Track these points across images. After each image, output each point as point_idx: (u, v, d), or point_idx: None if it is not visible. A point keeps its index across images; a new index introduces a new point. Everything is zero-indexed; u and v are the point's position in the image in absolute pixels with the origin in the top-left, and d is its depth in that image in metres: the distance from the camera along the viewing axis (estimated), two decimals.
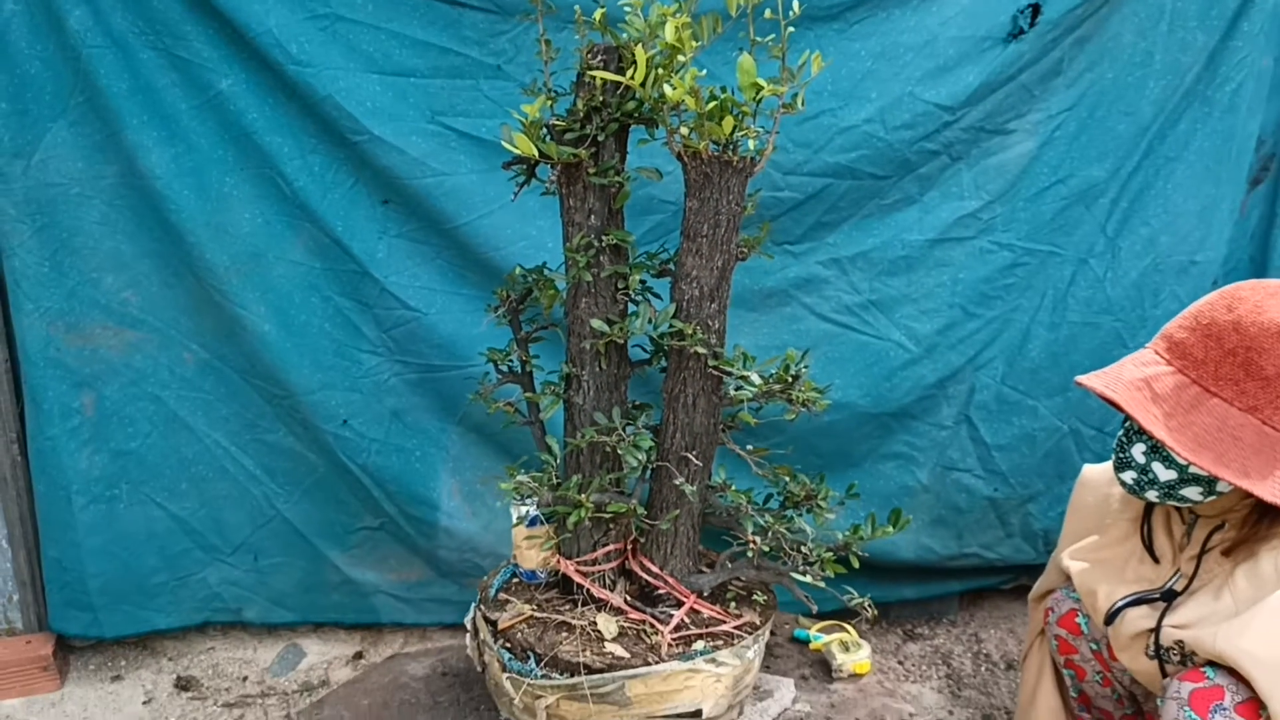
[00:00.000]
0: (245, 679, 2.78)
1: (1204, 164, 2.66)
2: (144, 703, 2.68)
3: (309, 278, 2.59)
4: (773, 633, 2.32)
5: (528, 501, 1.82)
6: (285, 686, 2.75)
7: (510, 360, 1.95)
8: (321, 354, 2.62)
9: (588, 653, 1.79)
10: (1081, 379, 1.72)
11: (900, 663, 2.85)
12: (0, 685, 2.67)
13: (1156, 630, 1.77)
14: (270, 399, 2.66)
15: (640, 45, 1.65)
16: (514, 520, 1.96)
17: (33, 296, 2.50)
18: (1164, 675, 1.78)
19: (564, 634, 1.84)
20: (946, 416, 2.79)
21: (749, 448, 1.96)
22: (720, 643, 1.84)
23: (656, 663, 1.77)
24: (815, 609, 1.92)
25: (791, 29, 2.42)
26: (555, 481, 1.82)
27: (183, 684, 2.74)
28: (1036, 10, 2.49)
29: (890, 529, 1.92)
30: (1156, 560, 1.86)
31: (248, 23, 2.36)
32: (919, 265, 2.68)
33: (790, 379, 1.84)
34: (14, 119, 2.40)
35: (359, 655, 2.86)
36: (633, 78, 1.62)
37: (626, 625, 1.86)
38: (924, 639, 2.97)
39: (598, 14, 1.70)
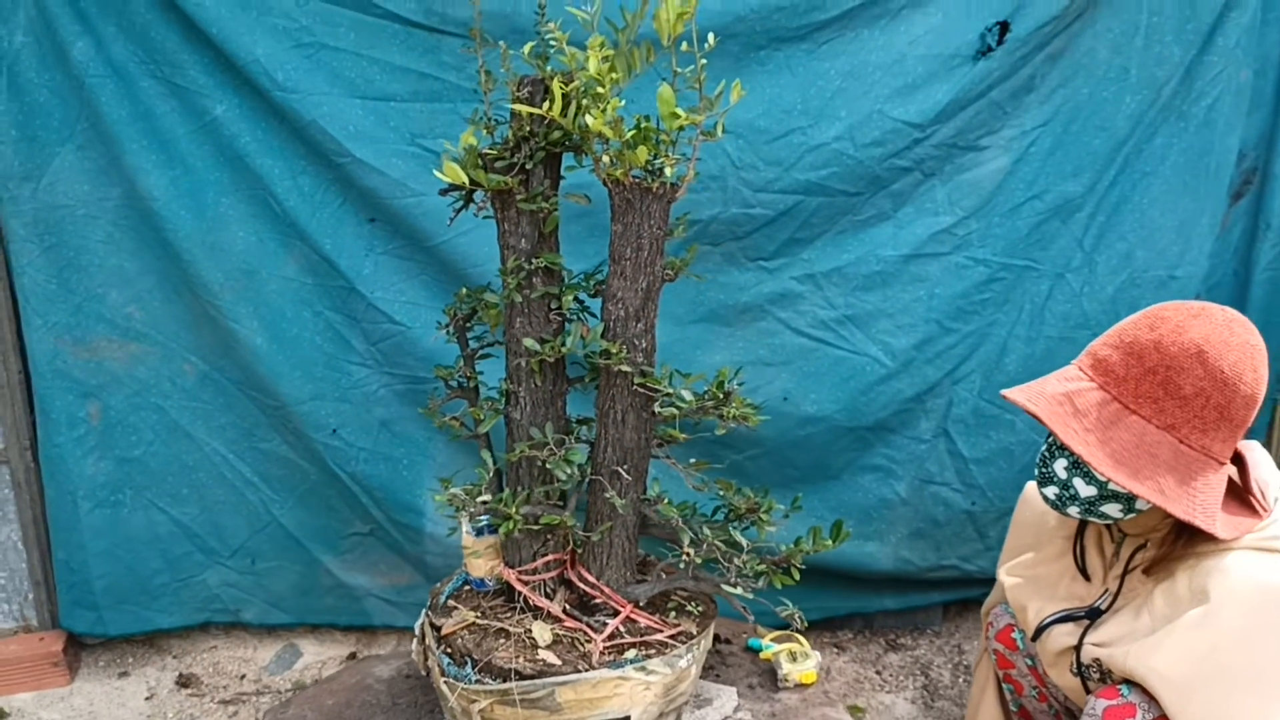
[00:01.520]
0: (243, 677, 2.90)
1: (1181, 179, 2.66)
2: (146, 698, 2.81)
3: (300, 293, 2.70)
4: (728, 641, 2.37)
5: (459, 514, 1.90)
6: (280, 685, 2.86)
7: (458, 376, 2.03)
8: (312, 366, 2.72)
9: (520, 659, 1.86)
10: (1006, 392, 1.75)
11: (878, 672, 2.88)
12: (13, 679, 2.82)
13: (1078, 648, 1.79)
14: (265, 409, 2.78)
15: (566, 77, 1.73)
16: (464, 531, 2.04)
17: (41, 312, 2.65)
18: (1088, 692, 1.80)
19: (501, 640, 1.91)
20: (925, 430, 2.82)
21: (692, 460, 2.01)
22: (653, 651, 1.89)
23: (586, 670, 1.84)
24: (751, 619, 1.97)
25: (764, 50, 2.53)
26: (488, 494, 1.90)
27: (183, 681, 2.87)
28: (1005, 28, 2.51)
29: (830, 542, 1.96)
30: (1088, 578, 1.88)
31: (237, 51, 2.47)
32: (894, 280, 2.71)
33: (723, 395, 1.89)
34: (24, 145, 2.55)
35: (353, 656, 2.97)
36: (550, 110, 1.69)
37: (562, 633, 1.93)
38: (905, 649, 2.99)
39: (526, 47, 1.78)
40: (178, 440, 2.80)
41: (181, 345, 2.74)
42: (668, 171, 1.73)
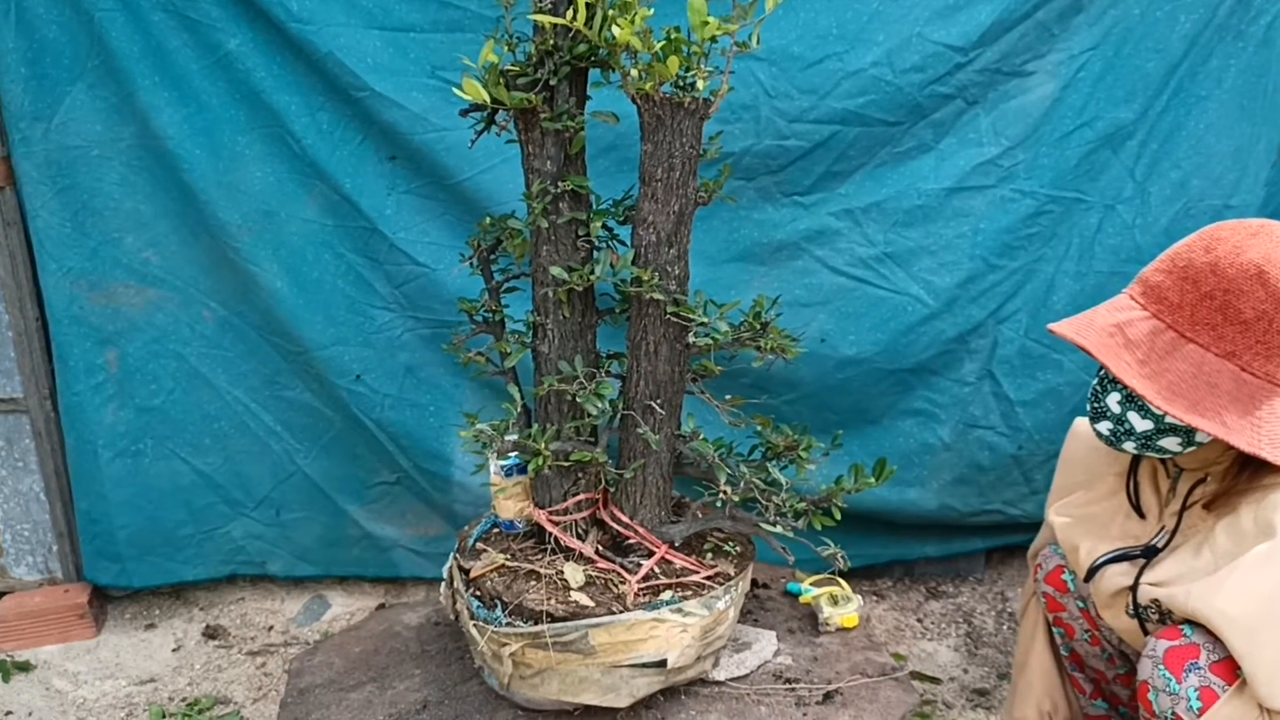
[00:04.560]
0: (271, 629, 2.86)
1: (1238, 102, 2.53)
2: (173, 650, 2.77)
3: (320, 235, 2.62)
4: (766, 586, 2.28)
5: (486, 452, 1.82)
6: (308, 636, 2.81)
7: (483, 310, 1.94)
8: (334, 310, 2.65)
9: (552, 601, 1.78)
10: (1053, 326, 1.65)
11: (919, 620, 2.79)
12: (40, 631, 2.78)
13: (1134, 588, 1.69)
14: (286, 355, 2.71)
15: None
16: (492, 470, 1.96)
17: (56, 256, 2.58)
18: (1145, 634, 1.71)
19: (532, 582, 1.84)
20: (969, 372, 2.71)
21: (728, 397, 1.92)
22: (689, 593, 1.81)
23: (621, 612, 1.76)
24: (791, 559, 1.88)
25: None
26: (516, 432, 1.82)
27: (210, 633, 2.82)
28: None
29: (873, 480, 1.86)
30: (1143, 516, 1.78)
31: None
32: (937, 216, 2.60)
33: (759, 326, 1.79)
34: (34, 83, 2.47)
35: (382, 607, 2.91)
36: (574, 20, 1.59)
37: (595, 575, 1.85)
38: (947, 597, 2.91)
39: None
40: (198, 388, 2.73)
41: (200, 290, 2.67)
42: (700, 85, 1.63)
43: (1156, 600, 1.65)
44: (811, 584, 2.24)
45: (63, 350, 2.65)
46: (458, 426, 2.73)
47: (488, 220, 1.92)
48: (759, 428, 1.92)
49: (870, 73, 2.45)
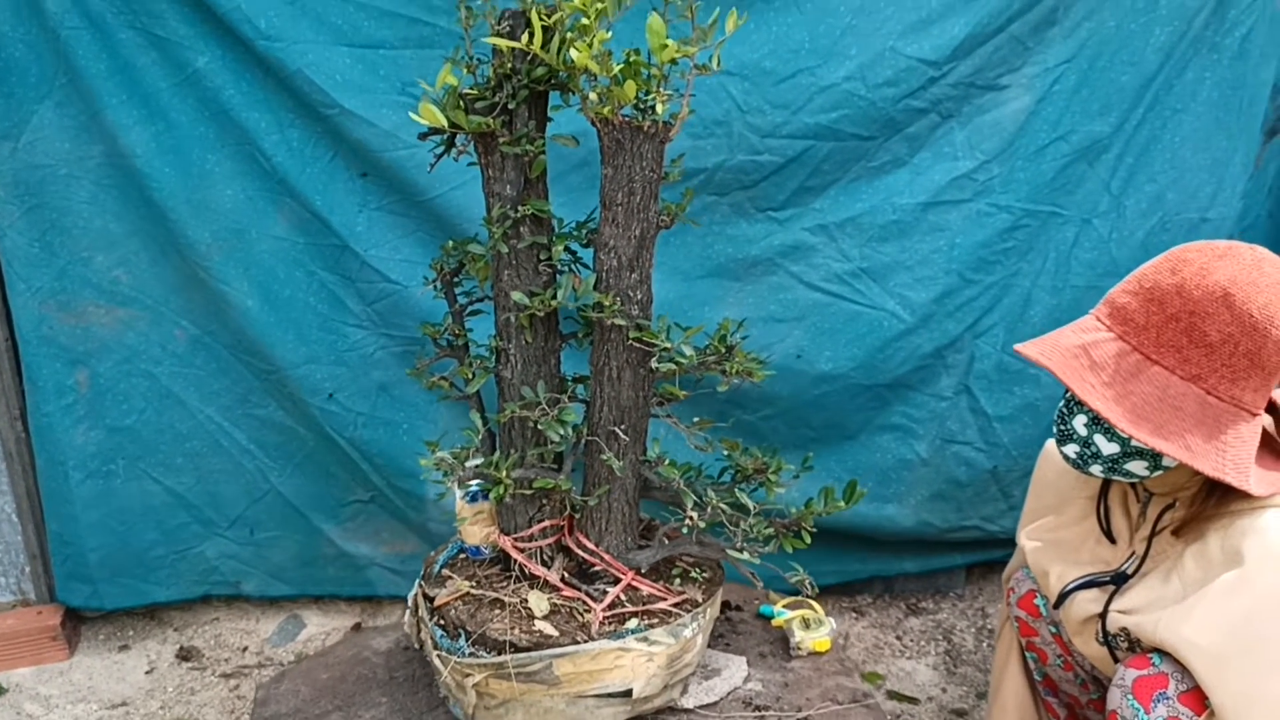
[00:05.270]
0: (245, 649, 2.83)
1: (1213, 115, 2.51)
2: (146, 672, 2.74)
3: (291, 252, 2.59)
4: (738, 607, 2.26)
5: (448, 480, 1.80)
6: (283, 657, 2.79)
7: (446, 334, 1.92)
8: (306, 328, 2.62)
9: (516, 631, 1.76)
10: (1019, 347, 1.63)
11: (899, 638, 2.77)
12: (12, 654, 2.75)
13: (1104, 615, 1.67)
14: (259, 374, 2.68)
15: (549, 9, 1.61)
16: (457, 497, 1.94)
17: (25, 276, 2.55)
18: (1116, 661, 1.69)
19: (496, 611, 1.81)
20: (945, 387, 2.70)
21: (695, 420, 1.90)
22: (655, 620, 1.79)
23: (585, 641, 1.74)
24: (760, 585, 1.86)
25: None
26: (479, 458, 1.80)
27: (184, 654, 2.80)
28: None
29: (842, 503, 1.84)
30: (1113, 541, 1.76)
31: None
32: (912, 230, 2.58)
33: (725, 349, 1.77)
34: (0, 102, 2.44)
35: (358, 627, 2.89)
36: (530, 44, 1.57)
37: (560, 603, 1.83)
38: (927, 613, 2.89)
39: None
40: (170, 408, 2.70)
41: (171, 309, 2.64)
42: (659, 109, 1.61)
43: (1125, 628, 1.63)
44: (784, 606, 2.22)
45: (32, 371, 2.62)
46: (431, 444, 2.71)
47: (450, 244, 1.90)
48: (727, 451, 1.89)
49: (843, 87, 2.44)
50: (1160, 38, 2.46)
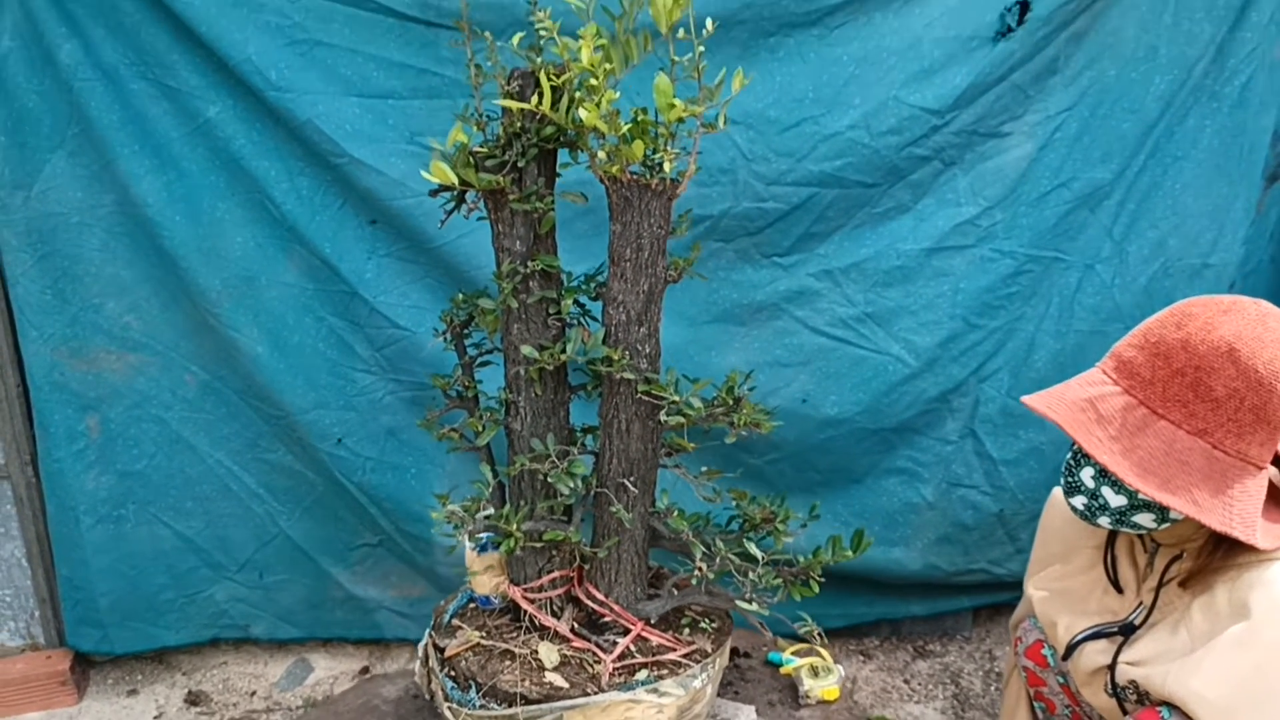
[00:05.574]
0: (254, 694, 2.83)
1: (1214, 162, 2.54)
2: (154, 717, 2.75)
3: (301, 299, 2.61)
4: (747, 655, 2.27)
5: (458, 533, 1.81)
6: (290, 701, 2.79)
7: (456, 385, 1.94)
8: (315, 374, 2.64)
9: (526, 682, 1.77)
10: (1026, 399, 1.64)
11: (906, 681, 2.77)
12: (21, 699, 2.76)
13: (1112, 667, 1.68)
14: (268, 419, 2.70)
15: (558, 69, 1.64)
16: (467, 549, 1.95)
17: (37, 323, 2.58)
18: (1124, 713, 1.70)
19: (507, 662, 1.82)
20: (951, 431, 2.71)
21: (704, 469, 1.91)
22: (665, 671, 1.80)
23: (596, 693, 1.75)
24: (768, 635, 1.87)
25: (774, 37, 2.43)
26: (489, 510, 1.81)
27: (193, 699, 2.80)
28: (1025, 7, 2.40)
29: (850, 552, 1.86)
30: (1121, 591, 1.77)
31: (229, 51, 2.39)
32: (916, 275, 2.60)
33: (733, 401, 1.79)
34: (14, 151, 2.48)
35: (366, 670, 2.90)
36: (539, 104, 1.60)
37: (570, 654, 1.84)
38: (934, 656, 2.89)
39: (515, 38, 1.69)
40: (180, 452, 2.72)
41: (181, 355, 2.66)
42: (667, 167, 1.63)
43: (1135, 681, 1.63)
44: (793, 653, 2.23)
45: (44, 417, 2.64)
46: (440, 489, 2.72)
47: (460, 296, 1.92)
48: (735, 500, 1.91)
49: (847, 135, 2.46)
50: (1160, 86, 2.49)
